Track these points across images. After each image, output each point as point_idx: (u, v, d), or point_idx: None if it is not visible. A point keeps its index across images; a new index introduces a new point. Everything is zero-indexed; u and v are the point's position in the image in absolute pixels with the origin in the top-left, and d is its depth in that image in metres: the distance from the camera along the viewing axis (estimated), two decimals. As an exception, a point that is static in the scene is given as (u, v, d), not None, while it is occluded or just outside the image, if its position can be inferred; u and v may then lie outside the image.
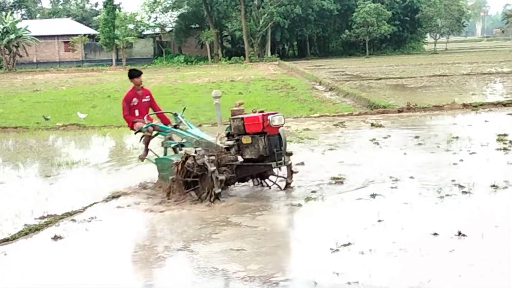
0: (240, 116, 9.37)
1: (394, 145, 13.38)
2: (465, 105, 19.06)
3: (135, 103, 10.80)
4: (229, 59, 69.08)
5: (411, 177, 10.04)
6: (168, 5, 79.58)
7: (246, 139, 9.22)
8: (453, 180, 9.57)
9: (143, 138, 10.77)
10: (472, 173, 10.16)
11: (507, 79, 29.43)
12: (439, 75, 33.38)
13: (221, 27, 77.44)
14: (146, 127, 10.47)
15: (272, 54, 73.52)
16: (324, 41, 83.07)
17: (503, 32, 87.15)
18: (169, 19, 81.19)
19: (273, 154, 9.18)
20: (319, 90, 29.23)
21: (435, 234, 7.10)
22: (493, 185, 9.16)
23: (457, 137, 13.67)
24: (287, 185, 9.68)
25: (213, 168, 8.89)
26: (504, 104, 19.08)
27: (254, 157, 9.22)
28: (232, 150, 9.39)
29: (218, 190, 8.90)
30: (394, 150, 12.80)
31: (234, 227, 7.97)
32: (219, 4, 75.00)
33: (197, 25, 78.41)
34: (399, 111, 19.00)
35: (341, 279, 5.98)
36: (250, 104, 22.70)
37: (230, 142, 9.42)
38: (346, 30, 73.43)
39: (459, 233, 7.00)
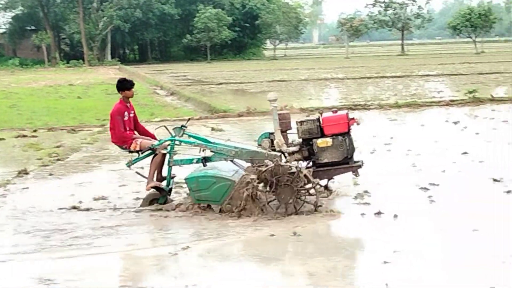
0: (313, 117, 8.79)
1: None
2: (302, 110, 19.60)
3: (126, 118, 9.32)
4: (68, 63, 66.97)
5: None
6: (0, 6, 76.00)
7: (324, 142, 8.55)
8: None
9: (154, 158, 9.06)
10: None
11: (342, 85, 30.68)
12: (278, 81, 34.17)
13: (59, 29, 75.19)
14: (161, 143, 9.01)
15: (112, 58, 72.34)
16: (165, 46, 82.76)
17: (337, 39, 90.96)
18: (2, 20, 77.73)
19: (353, 155, 8.77)
20: (160, 94, 29.05)
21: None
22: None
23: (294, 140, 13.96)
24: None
25: (316, 179, 8.25)
26: (339, 109, 19.78)
27: (335, 160, 8.59)
28: (294, 157, 8.65)
29: (319, 201, 8.23)
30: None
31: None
32: (56, 5, 72.83)
33: (33, 27, 75.57)
34: (239, 115, 19.29)
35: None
36: (89, 108, 22.23)
37: (294, 148, 8.70)
38: (188, 35, 73.52)
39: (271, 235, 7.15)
